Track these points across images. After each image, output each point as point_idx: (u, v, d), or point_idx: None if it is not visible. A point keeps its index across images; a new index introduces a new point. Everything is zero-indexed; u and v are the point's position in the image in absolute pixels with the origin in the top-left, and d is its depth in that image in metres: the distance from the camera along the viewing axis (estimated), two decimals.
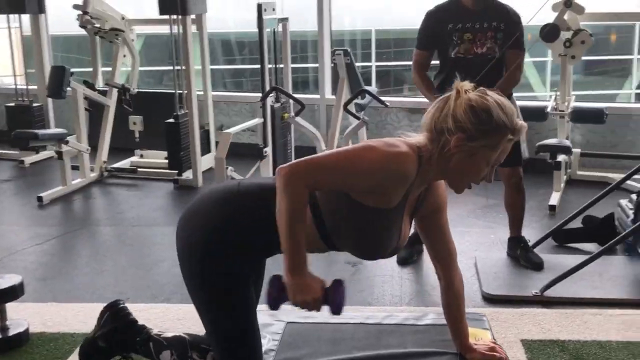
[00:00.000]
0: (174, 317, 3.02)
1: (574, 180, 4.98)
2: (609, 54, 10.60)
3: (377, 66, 9.34)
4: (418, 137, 1.66)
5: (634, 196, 3.82)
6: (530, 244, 3.63)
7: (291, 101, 5.34)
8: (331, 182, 1.58)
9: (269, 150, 5.10)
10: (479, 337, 1.95)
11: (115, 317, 1.98)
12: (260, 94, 5.04)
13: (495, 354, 1.90)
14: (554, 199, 4.49)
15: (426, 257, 3.60)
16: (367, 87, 4.51)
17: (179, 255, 1.77)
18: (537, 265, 3.49)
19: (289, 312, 2.18)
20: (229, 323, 1.71)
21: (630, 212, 3.67)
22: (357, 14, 8.04)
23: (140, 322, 2.09)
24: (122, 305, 2.03)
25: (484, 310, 3.02)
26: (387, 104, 4.44)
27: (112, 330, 1.95)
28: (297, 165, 1.55)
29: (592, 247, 3.84)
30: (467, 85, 1.63)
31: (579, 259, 3.40)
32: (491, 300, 3.22)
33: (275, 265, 1.81)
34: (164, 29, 5.37)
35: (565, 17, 4.48)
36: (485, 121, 1.56)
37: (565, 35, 4.59)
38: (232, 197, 1.71)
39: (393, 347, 1.93)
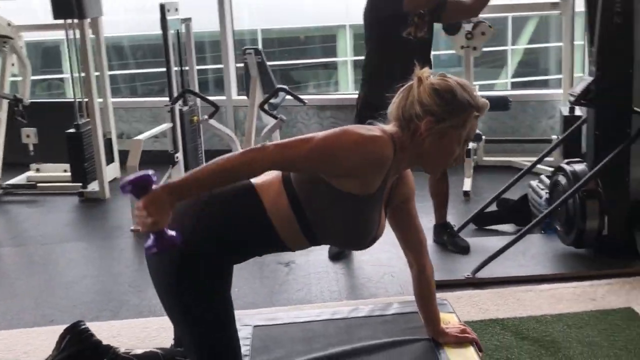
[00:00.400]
0: (123, 333, 2.87)
1: (480, 166, 5.20)
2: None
3: (272, 65, 9.31)
4: (388, 127, 1.66)
5: (544, 177, 4.04)
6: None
7: (199, 104, 5.22)
8: (309, 164, 1.56)
9: (179, 155, 4.95)
10: (447, 321, 1.98)
11: (78, 339, 1.83)
12: (166, 98, 4.89)
13: (467, 335, 1.94)
14: (467, 184, 4.66)
15: (357, 252, 3.65)
16: (281, 86, 4.48)
17: (150, 266, 1.68)
18: (464, 249, 3.60)
19: (254, 316, 2.12)
20: (213, 331, 1.64)
21: (543, 192, 3.87)
22: (250, 13, 7.97)
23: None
24: (83, 327, 1.88)
25: None
26: (305, 101, 4.43)
27: (76, 354, 1.80)
28: (279, 146, 1.53)
29: (508, 228, 4.03)
30: (426, 71, 1.65)
31: (501, 240, 3.57)
32: None
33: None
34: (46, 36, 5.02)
35: None
36: (450, 101, 1.60)
37: (466, 27, 4.77)
38: (204, 202, 1.65)
39: (366, 339, 1.92)
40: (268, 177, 1.68)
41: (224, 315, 1.64)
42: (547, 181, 3.99)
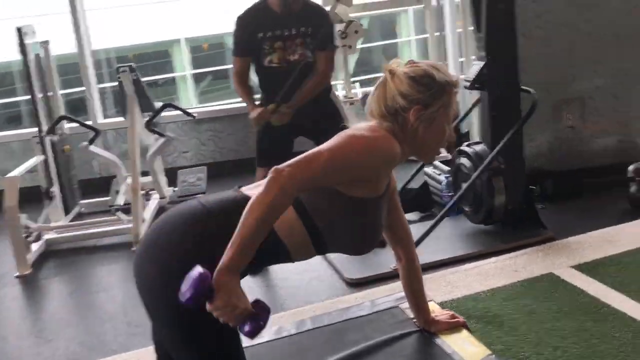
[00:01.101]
0: None
1: None
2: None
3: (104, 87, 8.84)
4: (378, 124, 1.61)
5: (438, 162, 4.19)
6: None
7: (68, 132, 4.84)
8: (328, 178, 1.48)
9: (55, 189, 4.55)
10: (431, 310, 1.97)
11: None
12: (35, 129, 4.47)
13: (457, 320, 1.94)
14: None
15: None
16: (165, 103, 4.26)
17: (147, 292, 1.49)
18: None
19: None
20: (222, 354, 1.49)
21: (441, 177, 4.01)
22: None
23: None
24: None
25: (355, 295, 3.08)
26: (195, 115, 4.25)
27: None
28: (293, 167, 1.42)
29: (413, 216, 4.12)
30: (395, 62, 1.63)
31: (414, 227, 3.64)
32: (356, 284, 3.27)
33: None
34: None
35: (337, 10, 4.72)
36: (431, 85, 1.59)
37: (339, 27, 4.83)
38: (202, 219, 1.49)
39: (360, 341, 1.85)
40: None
41: (233, 336, 1.51)
42: (443, 166, 4.15)
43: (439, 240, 3.57)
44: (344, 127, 1.60)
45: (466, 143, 3.74)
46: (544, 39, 4.12)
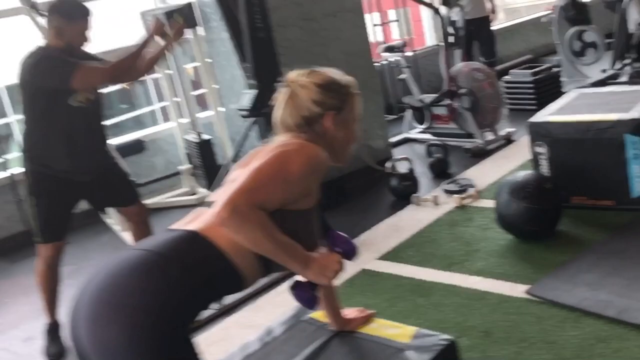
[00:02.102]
0: None
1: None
2: None
3: None
4: (295, 136, 1.63)
5: None
6: None
7: None
8: (272, 197, 1.46)
9: None
10: None
11: None
12: None
13: (367, 312, 2.01)
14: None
15: None
16: None
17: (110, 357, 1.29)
18: None
19: None
20: None
21: None
22: None
23: None
24: None
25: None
26: None
27: None
28: (236, 197, 1.41)
29: None
30: (292, 74, 1.68)
31: None
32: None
33: None
34: None
35: None
36: (338, 90, 1.66)
37: None
38: (158, 266, 1.35)
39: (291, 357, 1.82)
40: (209, 222, 1.48)
41: None
42: None
43: None
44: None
45: None
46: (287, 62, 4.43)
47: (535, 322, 2.54)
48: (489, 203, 3.83)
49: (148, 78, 5.88)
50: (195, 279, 1.40)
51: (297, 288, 1.64)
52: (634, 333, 2.34)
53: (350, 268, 3.35)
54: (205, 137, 5.08)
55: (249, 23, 3.49)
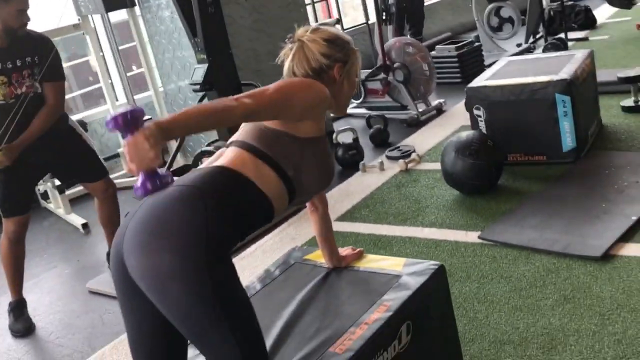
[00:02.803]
0: None
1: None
2: None
3: None
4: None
5: None
6: None
7: None
8: (272, 110, 1.59)
9: None
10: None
11: None
12: None
13: (359, 250, 2.16)
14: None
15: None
16: None
17: (168, 283, 1.41)
18: None
19: None
20: (244, 325, 1.46)
21: None
22: None
23: None
24: None
25: None
26: None
27: None
28: (247, 97, 1.54)
29: None
30: (300, 31, 1.81)
31: None
32: None
33: None
34: None
35: None
36: (343, 44, 1.80)
37: None
38: (199, 196, 1.47)
39: (290, 299, 1.92)
40: (232, 157, 1.60)
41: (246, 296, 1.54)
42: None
43: None
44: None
45: (206, 143, 3.94)
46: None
47: (491, 262, 2.80)
48: (431, 165, 4.10)
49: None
50: (231, 207, 1.51)
51: (142, 109, 1.41)
52: (579, 263, 2.63)
53: (312, 232, 3.53)
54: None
55: None
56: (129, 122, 1.36)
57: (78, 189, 4.89)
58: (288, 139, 1.64)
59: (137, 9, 5.03)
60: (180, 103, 5.08)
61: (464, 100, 4.25)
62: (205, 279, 1.41)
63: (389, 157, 4.40)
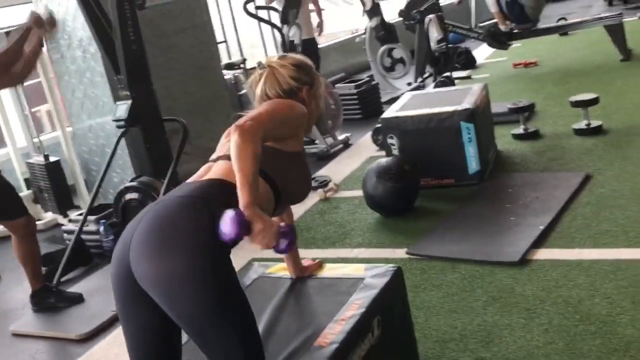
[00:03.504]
0: None
1: None
2: None
3: None
4: None
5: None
6: None
7: None
8: (274, 128, 1.72)
9: None
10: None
11: None
12: None
13: (318, 261, 2.28)
14: None
15: None
16: None
17: (178, 288, 1.49)
18: (79, 298, 3.54)
19: None
20: (246, 320, 1.57)
21: (94, 227, 4.07)
22: None
23: None
24: None
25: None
26: None
27: None
28: (244, 122, 1.64)
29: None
30: (271, 58, 1.96)
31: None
32: (87, 339, 3.17)
33: None
34: None
35: None
36: (308, 68, 1.98)
37: None
38: (200, 205, 1.58)
39: (260, 312, 2.02)
40: (223, 170, 1.70)
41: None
42: (90, 218, 4.13)
43: None
44: None
45: (130, 179, 3.94)
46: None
47: (421, 273, 3.03)
48: (349, 193, 4.34)
49: None
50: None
51: (236, 216, 1.53)
52: (500, 269, 2.92)
53: (239, 260, 3.62)
54: (53, 158, 4.98)
55: (122, 36, 3.62)
56: (242, 227, 1.52)
57: None
58: (277, 153, 1.79)
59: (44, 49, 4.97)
60: (90, 142, 5.03)
61: (369, 133, 4.55)
62: (215, 279, 1.52)
63: None
